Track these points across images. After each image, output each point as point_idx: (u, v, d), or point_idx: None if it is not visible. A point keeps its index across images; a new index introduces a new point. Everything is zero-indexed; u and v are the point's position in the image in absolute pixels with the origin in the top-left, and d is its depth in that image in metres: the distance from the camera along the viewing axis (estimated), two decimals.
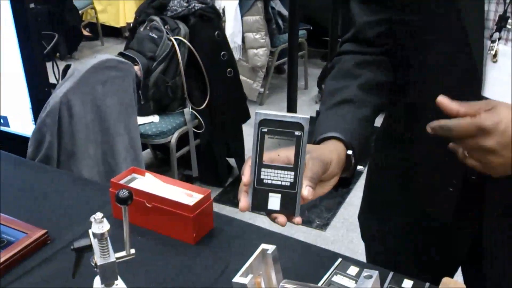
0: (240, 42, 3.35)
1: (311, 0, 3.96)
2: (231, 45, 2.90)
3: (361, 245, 1.10)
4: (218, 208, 2.48)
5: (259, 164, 0.66)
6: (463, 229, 0.85)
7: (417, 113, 0.85)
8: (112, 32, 4.97)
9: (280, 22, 3.51)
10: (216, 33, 2.44)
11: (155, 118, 2.40)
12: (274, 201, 0.66)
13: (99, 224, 0.69)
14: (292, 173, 0.65)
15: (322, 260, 0.88)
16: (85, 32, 4.92)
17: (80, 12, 4.57)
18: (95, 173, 1.61)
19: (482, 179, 0.77)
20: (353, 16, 0.87)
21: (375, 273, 0.68)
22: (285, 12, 3.50)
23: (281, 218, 0.66)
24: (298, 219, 0.66)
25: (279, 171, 0.65)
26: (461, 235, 0.87)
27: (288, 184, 0.66)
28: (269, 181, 0.66)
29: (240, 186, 0.67)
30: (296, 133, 0.64)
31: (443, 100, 0.67)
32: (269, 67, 3.63)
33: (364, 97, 0.82)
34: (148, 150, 2.86)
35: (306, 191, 0.65)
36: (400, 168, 0.92)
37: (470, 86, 0.74)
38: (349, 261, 0.87)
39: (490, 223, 0.82)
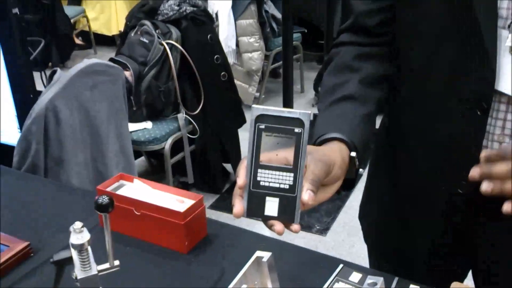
0: (234, 46, 3.32)
1: (305, 3, 3.94)
2: (225, 50, 2.87)
3: (363, 250, 1.05)
4: (216, 215, 2.43)
5: (255, 164, 0.60)
6: (474, 232, 0.80)
7: (422, 110, 0.80)
8: (105, 40, 4.94)
9: (274, 25, 3.49)
10: (208, 37, 2.40)
11: (148, 124, 2.36)
12: (272, 206, 0.60)
13: (79, 234, 0.63)
14: (292, 174, 0.60)
15: (322, 266, 0.84)
16: (78, 41, 4.89)
17: (72, 20, 4.54)
18: (85, 180, 1.56)
19: None
20: (351, 4, 0.82)
21: (380, 280, 0.63)
22: (279, 15, 3.47)
23: (278, 226, 0.60)
24: (296, 226, 0.60)
25: (277, 172, 0.60)
26: (472, 238, 0.81)
27: (287, 187, 0.60)
28: (266, 184, 0.60)
29: (234, 189, 0.62)
30: (296, 130, 0.59)
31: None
32: (264, 71, 3.60)
33: (366, 92, 0.77)
34: (143, 158, 2.82)
35: (307, 195, 0.59)
36: (404, 168, 0.87)
37: (483, 81, 0.69)
38: (351, 267, 0.83)
39: (505, 225, 0.76)
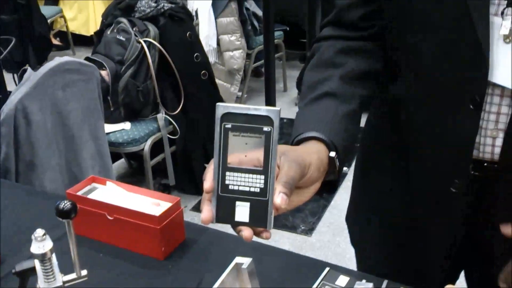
0: (215, 45, 3.26)
1: (287, 0, 3.91)
2: (206, 48, 2.81)
3: (349, 250, 1.02)
4: (198, 217, 2.37)
5: (223, 167, 0.56)
6: (471, 232, 0.76)
7: (411, 107, 0.75)
8: (83, 41, 4.84)
9: (255, 23, 3.44)
10: (188, 34, 2.34)
11: (126, 125, 2.29)
12: (242, 211, 0.56)
13: (40, 243, 0.58)
14: (262, 176, 0.55)
15: (307, 270, 0.80)
16: (56, 42, 4.78)
17: (49, 20, 4.43)
18: (59, 185, 1.49)
19: (490, 176, 0.68)
20: None
21: (369, 285, 0.59)
22: (260, 12, 3.42)
23: (246, 231, 0.55)
24: (267, 233, 0.55)
25: (247, 175, 0.56)
26: (468, 238, 0.78)
27: (258, 190, 0.55)
28: (236, 187, 0.56)
29: (203, 194, 0.57)
30: (265, 128, 0.55)
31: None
32: (246, 70, 3.55)
33: (348, 89, 0.73)
34: (123, 160, 2.75)
35: (279, 198, 0.55)
36: (392, 169, 0.83)
37: (475, 71, 0.65)
38: (338, 270, 0.79)
39: (504, 223, 0.73)
